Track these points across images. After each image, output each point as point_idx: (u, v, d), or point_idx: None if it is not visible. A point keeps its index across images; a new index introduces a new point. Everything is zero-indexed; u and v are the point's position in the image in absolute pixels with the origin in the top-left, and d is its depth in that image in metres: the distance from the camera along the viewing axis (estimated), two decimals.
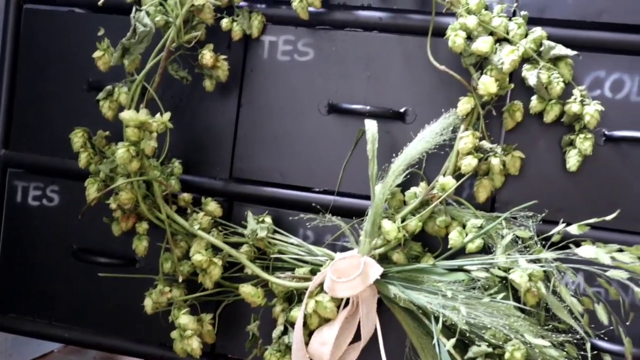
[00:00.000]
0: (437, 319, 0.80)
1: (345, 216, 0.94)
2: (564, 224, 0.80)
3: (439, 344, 0.77)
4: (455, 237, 0.84)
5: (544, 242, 0.84)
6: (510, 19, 0.88)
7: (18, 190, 1.06)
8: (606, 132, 0.87)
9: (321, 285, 0.86)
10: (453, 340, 0.76)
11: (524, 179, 0.90)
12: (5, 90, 1.06)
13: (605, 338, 0.84)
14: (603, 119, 0.86)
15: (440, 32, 0.89)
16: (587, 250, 0.75)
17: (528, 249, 0.84)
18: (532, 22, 0.89)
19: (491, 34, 0.87)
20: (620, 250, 0.77)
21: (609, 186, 0.88)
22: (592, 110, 0.84)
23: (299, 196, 0.97)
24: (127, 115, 0.85)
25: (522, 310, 0.81)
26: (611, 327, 0.84)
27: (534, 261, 0.81)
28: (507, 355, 0.78)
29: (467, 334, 0.80)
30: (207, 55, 0.91)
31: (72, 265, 1.03)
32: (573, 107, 0.85)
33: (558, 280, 0.81)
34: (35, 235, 1.04)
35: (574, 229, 0.78)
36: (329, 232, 0.95)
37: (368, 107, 0.92)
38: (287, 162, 0.97)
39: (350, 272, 0.82)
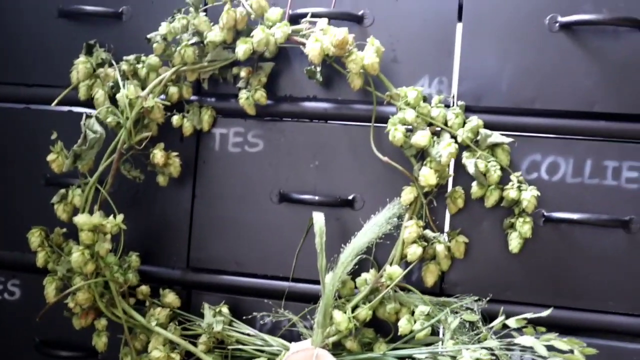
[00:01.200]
0: None
1: (301, 301, 0.96)
2: (503, 317, 0.83)
3: None
4: (404, 325, 0.87)
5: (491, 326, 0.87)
6: (448, 107, 0.92)
7: None
8: (545, 213, 0.91)
9: None
10: None
11: (470, 261, 0.93)
12: None
13: None
14: (541, 201, 0.90)
15: (384, 120, 0.93)
16: (526, 340, 0.78)
17: (475, 331, 0.87)
18: (469, 110, 0.93)
19: (430, 124, 0.91)
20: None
21: (551, 265, 0.91)
22: (528, 196, 0.88)
23: (255, 283, 0.99)
24: (80, 219, 0.87)
25: None
26: None
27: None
28: None
29: None
30: (158, 155, 0.93)
31: (35, 359, 1.04)
32: (511, 193, 0.88)
33: None
34: None
35: (512, 323, 0.81)
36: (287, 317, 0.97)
37: (317, 197, 0.95)
38: (242, 250, 0.99)
39: None
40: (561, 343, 0.77)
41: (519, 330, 0.83)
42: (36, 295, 1.01)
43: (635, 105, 0.89)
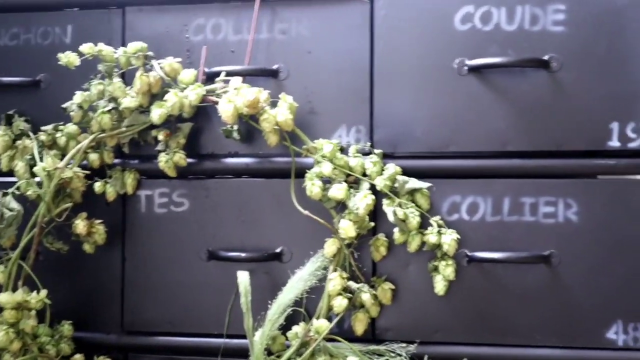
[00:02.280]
0: None
1: (238, 357, 0.96)
2: None
3: None
4: None
5: None
6: (367, 155, 0.93)
7: None
8: (468, 254, 0.92)
9: None
10: None
11: (399, 306, 0.94)
12: None
13: None
14: (464, 241, 0.92)
15: (304, 173, 0.93)
16: None
17: None
18: (388, 156, 0.94)
19: (349, 174, 0.92)
20: None
21: (478, 304, 0.92)
22: (448, 240, 0.89)
23: (190, 342, 0.99)
24: (3, 298, 0.87)
25: None
26: None
27: None
28: None
29: None
30: (80, 225, 0.93)
31: None
32: (431, 237, 0.90)
33: None
34: None
35: None
36: None
37: (244, 254, 0.96)
38: (175, 310, 0.99)
39: None
40: None
41: None
42: None
43: (546, 142, 0.91)
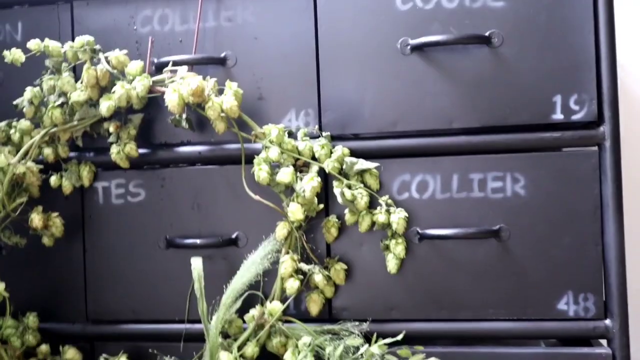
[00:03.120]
0: None
1: (200, 340, 0.98)
2: (366, 345, 0.85)
3: None
4: (288, 357, 0.89)
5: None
6: (315, 138, 0.94)
7: None
8: (419, 231, 0.93)
9: None
10: None
11: (354, 285, 0.95)
12: None
13: None
14: (415, 219, 0.93)
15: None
16: None
17: (361, 355, 0.89)
18: (337, 138, 0.95)
19: (297, 159, 0.93)
20: None
21: (430, 280, 0.94)
22: (396, 219, 0.90)
23: (153, 329, 1.01)
24: None
25: None
26: None
27: None
28: None
29: None
30: (35, 219, 0.95)
31: None
32: (380, 217, 0.91)
33: None
34: None
35: (375, 349, 0.83)
36: (188, 358, 0.99)
37: (199, 241, 0.97)
38: (137, 298, 1.01)
39: None
40: None
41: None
42: None
43: (492, 118, 0.92)
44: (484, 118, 0.92)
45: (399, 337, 0.87)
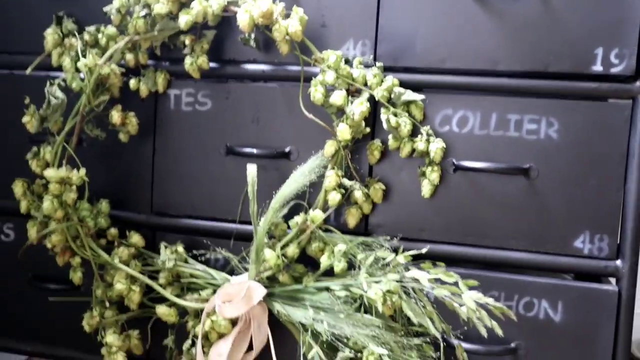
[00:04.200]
0: (307, 330, 0.97)
1: (247, 240, 1.10)
2: (393, 255, 0.95)
3: (304, 353, 0.94)
4: (324, 261, 1.00)
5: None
6: (369, 67, 1.02)
7: None
8: (455, 162, 1.02)
9: None
10: (314, 350, 0.93)
11: (390, 205, 1.05)
12: None
13: (461, 337, 1.00)
14: (452, 151, 1.02)
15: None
16: (414, 273, 0.90)
17: (388, 267, 0.99)
18: (389, 70, 1.03)
19: (351, 84, 1.02)
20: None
21: (461, 208, 1.03)
22: (434, 148, 0.99)
23: (209, 225, 1.13)
24: (48, 173, 1.02)
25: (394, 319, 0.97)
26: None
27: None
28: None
29: (333, 342, 0.97)
30: (115, 116, 1.07)
31: (28, 291, 1.22)
32: (419, 145, 1.00)
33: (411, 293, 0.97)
34: None
35: (401, 259, 0.94)
36: (236, 253, 1.11)
37: (255, 151, 1.08)
38: (197, 196, 1.13)
39: (235, 296, 0.99)
40: (446, 276, 0.90)
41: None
42: (27, 237, 1.18)
43: (534, 63, 0.98)
44: (527, 63, 0.99)
45: (423, 251, 0.96)
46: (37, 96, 1.11)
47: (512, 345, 1.00)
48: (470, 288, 0.92)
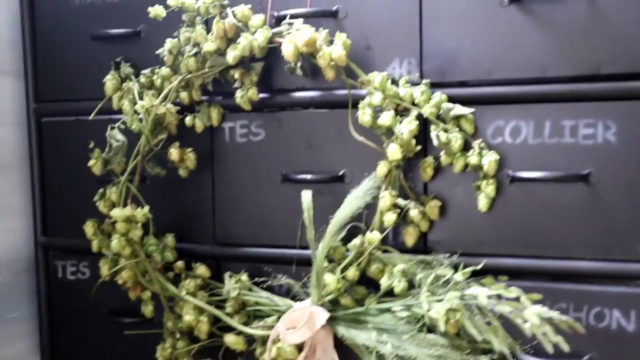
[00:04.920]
0: (371, 353, 0.97)
1: (309, 265, 1.11)
2: (453, 271, 0.94)
3: None
4: (384, 282, 1.00)
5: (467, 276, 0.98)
6: (416, 85, 1.02)
7: (58, 268, 1.31)
8: (511, 173, 1.00)
9: None
10: None
11: (448, 221, 1.04)
12: (38, 190, 1.31)
13: (530, 352, 0.98)
14: (507, 162, 1.00)
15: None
16: (474, 290, 0.89)
17: (449, 284, 0.98)
18: (436, 86, 1.03)
19: (398, 104, 1.02)
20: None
21: (520, 219, 1.01)
22: (487, 161, 0.98)
23: (271, 252, 1.15)
24: (115, 213, 1.07)
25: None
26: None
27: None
28: None
29: None
30: (173, 153, 1.11)
31: (106, 325, 1.27)
32: (472, 159, 0.99)
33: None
34: (73, 302, 1.29)
35: (458, 276, 0.92)
36: (299, 279, 1.12)
37: (309, 176, 1.09)
38: (257, 225, 1.16)
39: (298, 322, 1.00)
40: (506, 291, 0.88)
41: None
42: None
43: (585, 67, 0.96)
44: (578, 67, 0.96)
45: (480, 266, 0.95)
46: (101, 139, 1.16)
47: (585, 358, 0.97)
48: (535, 302, 0.90)
